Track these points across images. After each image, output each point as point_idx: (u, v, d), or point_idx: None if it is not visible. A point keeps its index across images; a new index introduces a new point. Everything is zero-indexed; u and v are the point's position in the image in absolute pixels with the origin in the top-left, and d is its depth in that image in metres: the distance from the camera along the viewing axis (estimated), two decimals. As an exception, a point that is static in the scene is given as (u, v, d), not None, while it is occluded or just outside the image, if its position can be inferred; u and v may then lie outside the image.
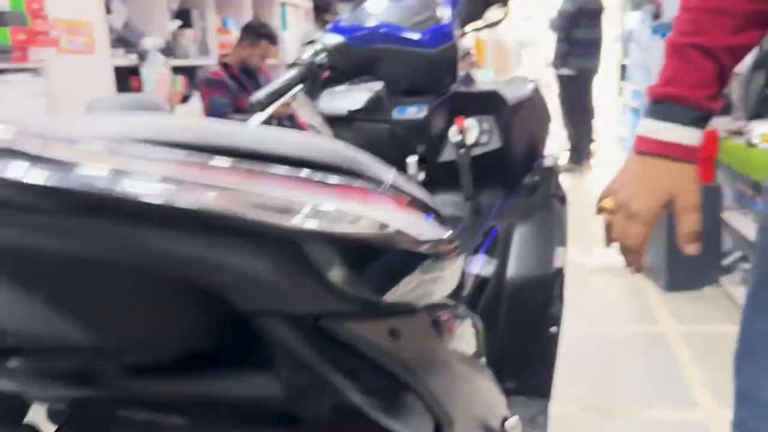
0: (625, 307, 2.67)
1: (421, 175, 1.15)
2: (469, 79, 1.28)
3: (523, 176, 1.26)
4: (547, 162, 1.33)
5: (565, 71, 5.43)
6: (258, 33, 3.32)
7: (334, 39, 1.11)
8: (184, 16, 3.70)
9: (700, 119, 0.75)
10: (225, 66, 3.30)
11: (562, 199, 1.32)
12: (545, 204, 1.26)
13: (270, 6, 4.99)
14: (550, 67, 5.74)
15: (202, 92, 3.26)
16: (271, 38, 3.38)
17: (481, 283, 1.14)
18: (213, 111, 3.20)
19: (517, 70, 7.24)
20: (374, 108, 1.19)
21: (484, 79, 1.46)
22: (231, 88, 3.23)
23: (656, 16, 4.70)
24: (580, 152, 5.59)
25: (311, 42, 1.10)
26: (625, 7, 6.53)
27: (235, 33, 3.90)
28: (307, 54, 1.07)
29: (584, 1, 5.36)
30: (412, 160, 1.14)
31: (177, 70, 3.50)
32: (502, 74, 6.99)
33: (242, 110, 3.26)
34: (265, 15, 4.95)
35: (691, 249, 0.76)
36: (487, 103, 1.19)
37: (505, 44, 6.96)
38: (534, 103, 1.25)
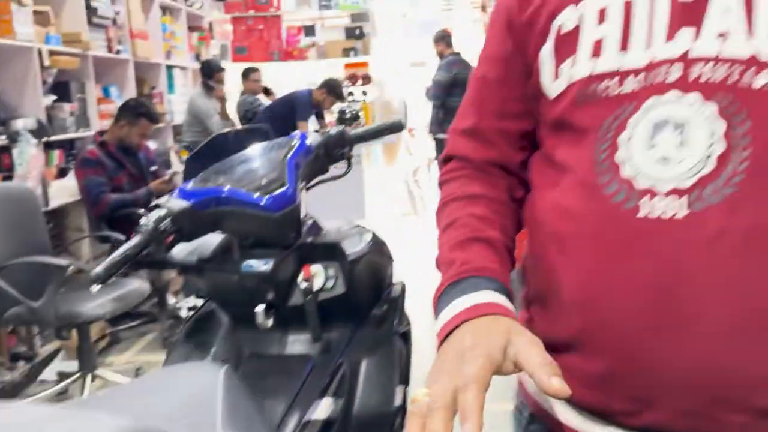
0: None
1: (270, 321, 1.21)
2: (316, 227, 1.36)
3: (370, 309, 1.34)
4: (394, 291, 1.44)
5: (442, 136, 5.81)
6: (137, 112, 3.36)
7: (179, 204, 1.17)
8: (62, 88, 3.69)
9: (507, 293, 0.72)
10: (102, 144, 3.31)
11: (405, 336, 1.41)
12: (388, 340, 1.35)
13: (156, 69, 5.02)
14: (428, 132, 6.12)
15: (76, 172, 3.26)
16: (150, 117, 3.43)
17: (326, 427, 1.16)
18: (89, 190, 3.20)
19: (403, 134, 7.56)
20: (223, 258, 1.27)
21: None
22: (107, 167, 3.26)
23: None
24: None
25: (156, 207, 1.17)
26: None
27: (117, 102, 3.92)
28: (151, 220, 1.13)
29: (458, 71, 5.76)
30: (260, 308, 1.20)
31: (54, 144, 3.48)
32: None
33: (120, 188, 3.29)
34: (151, 78, 4.99)
35: (558, 384, 0.57)
36: (331, 254, 1.28)
37: (392, 104, 7.28)
38: (372, 255, 1.35)
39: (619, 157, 0.67)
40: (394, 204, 6.49)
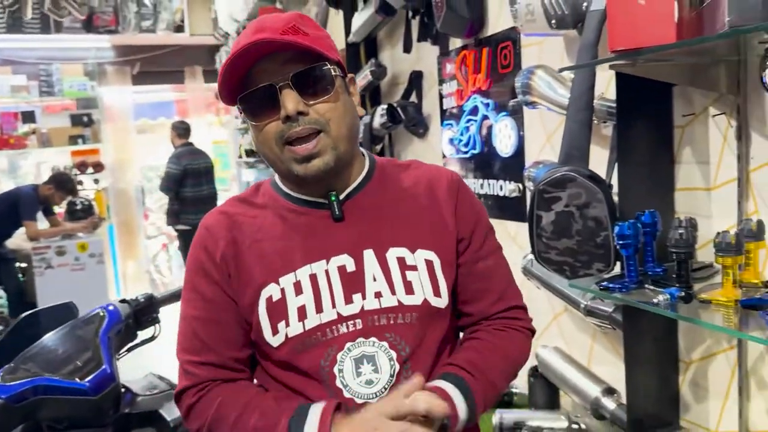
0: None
1: None
2: (131, 395, 1.41)
3: None
4: None
5: (182, 227, 5.87)
6: None
7: None
8: None
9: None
10: None
11: None
12: None
13: None
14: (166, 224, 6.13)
15: None
16: None
17: None
18: None
19: (140, 220, 7.42)
20: None
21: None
22: None
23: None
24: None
25: None
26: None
27: None
28: None
29: (188, 163, 5.90)
30: None
31: None
32: (128, 227, 7.08)
33: None
34: None
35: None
36: (149, 421, 1.35)
37: (128, 192, 7.12)
38: None
39: (338, 383, 1.02)
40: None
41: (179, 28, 7.17)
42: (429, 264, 1.08)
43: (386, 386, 1.02)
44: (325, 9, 4.33)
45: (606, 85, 1.98)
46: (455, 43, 3.00)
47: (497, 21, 2.65)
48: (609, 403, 1.99)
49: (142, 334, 1.58)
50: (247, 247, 1.09)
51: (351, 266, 1.06)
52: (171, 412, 1.42)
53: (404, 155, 3.69)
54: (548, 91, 2.11)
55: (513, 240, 2.67)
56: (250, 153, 6.57)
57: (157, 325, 1.58)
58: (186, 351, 1.12)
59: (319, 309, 1.04)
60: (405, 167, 1.18)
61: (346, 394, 1.01)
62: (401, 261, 1.06)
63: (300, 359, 1.04)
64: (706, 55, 1.53)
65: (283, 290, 1.05)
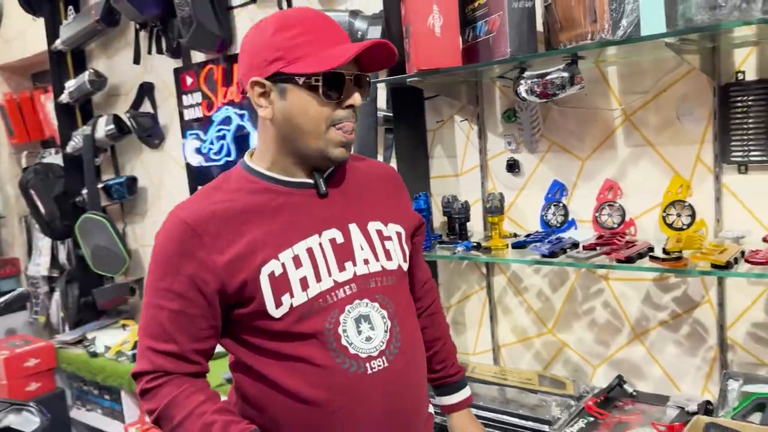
0: None
1: None
2: None
3: None
4: None
5: None
6: None
7: None
8: None
9: None
10: None
11: None
12: None
13: None
14: None
15: None
16: None
17: None
18: None
19: None
20: None
21: None
22: None
23: None
24: None
25: None
26: None
27: None
28: None
29: None
30: None
31: None
32: None
33: None
34: None
35: None
36: None
37: None
38: None
39: (344, 342, 1.18)
40: None
41: None
42: (398, 235, 1.31)
43: (382, 341, 1.21)
44: None
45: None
46: (196, 57, 3.18)
47: (247, 40, 2.94)
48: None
49: None
50: (236, 231, 1.16)
51: (340, 238, 1.22)
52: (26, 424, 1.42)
53: (133, 166, 3.66)
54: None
55: (276, 235, 2.99)
56: None
57: None
58: (149, 336, 1.18)
59: (318, 278, 1.18)
60: (354, 158, 1.39)
61: (351, 351, 1.18)
62: (379, 233, 1.27)
63: (304, 326, 1.16)
64: (470, 74, 2.13)
65: (284, 264, 1.16)
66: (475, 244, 2.03)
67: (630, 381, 2.02)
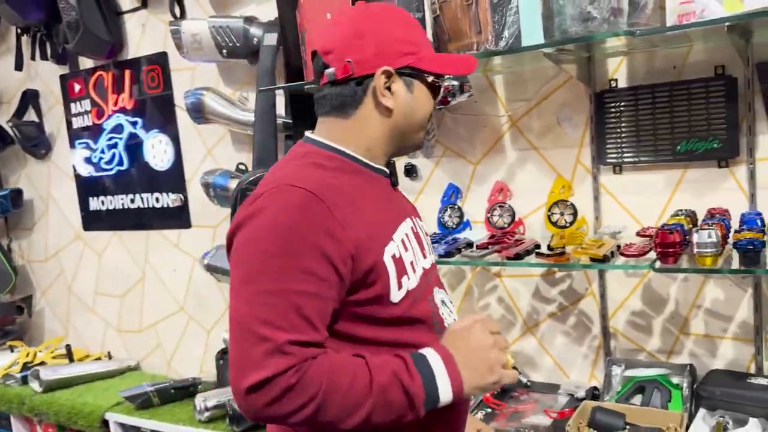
0: None
1: None
2: None
3: None
4: None
5: None
6: None
7: None
8: None
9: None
10: None
11: None
12: None
13: None
14: None
15: None
16: None
17: None
18: None
19: None
20: None
21: None
22: None
23: None
24: None
25: None
26: None
27: None
28: None
29: None
30: None
31: None
32: None
33: None
34: None
35: None
36: None
37: None
38: None
39: (446, 324, 1.17)
40: None
41: None
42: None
43: (454, 313, 1.26)
44: None
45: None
46: (84, 63, 3.06)
47: (139, 45, 2.86)
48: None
49: None
50: (356, 207, 1.08)
51: (414, 227, 1.22)
52: None
53: (17, 178, 3.46)
54: (221, 109, 2.50)
55: (176, 246, 2.93)
56: None
57: None
58: (282, 329, 0.97)
59: (417, 262, 1.16)
60: None
61: (446, 322, 1.19)
62: (421, 226, 1.29)
63: (416, 310, 1.12)
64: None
65: (398, 246, 1.11)
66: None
67: (524, 372, 2.14)
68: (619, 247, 1.71)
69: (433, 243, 1.98)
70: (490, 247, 1.88)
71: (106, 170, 3.06)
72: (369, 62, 1.11)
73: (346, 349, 1.06)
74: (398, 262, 1.11)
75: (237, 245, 1.04)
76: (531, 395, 2.04)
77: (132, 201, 3.03)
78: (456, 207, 2.18)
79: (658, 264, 1.55)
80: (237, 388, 0.97)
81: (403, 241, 1.14)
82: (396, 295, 1.09)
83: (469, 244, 1.94)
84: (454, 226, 2.17)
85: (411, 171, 2.27)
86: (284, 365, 0.96)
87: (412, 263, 1.14)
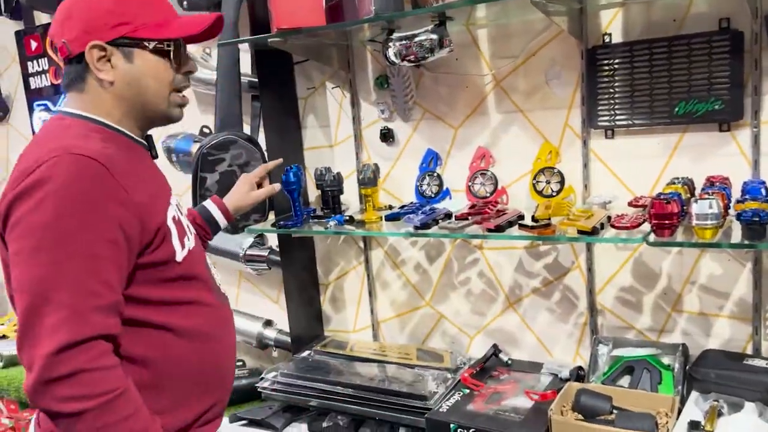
0: None
1: None
2: None
3: None
4: None
5: None
6: None
7: None
8: None
9: None
10: None
11: None
12: None
13: None
14: None
15: None
16: None
17: None
18: None
19: None
20: None
21: None
22: None
23: None
24: None
25: None
26: None
27: None
28: None
29: None
30: None
31: None
32: None
33: None
34: None
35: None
36: None
37: None
38: None
39: (217, 282, 1.34)
40: None
41: None
42: None
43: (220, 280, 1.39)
44: None
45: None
46: (41, 18, 2.85)
47: (98, -1, 2.65)
48: (271, 333, 2.36)
49: None
50: (134, 174, 1.15)
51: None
52: None
53: (-26, 142, 3.26)
54: (184, 67, 2.30)
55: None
56: None
57: None
58: (81, 293, 1.02)
59: (189, 226, 1.32)
60: None
61: (222, 290, 1.36)
62: (179, 204, 1.37)
63: (197, 269, 1.26)
64: (340, 37, 2.00)
65: (176, 209, 1.25)
66: (348, 217, 1.93)
67: (505, 350, 2.00)
68: (609, 218, 1.57)
69: (410, 213, 1.83)
70: (470, 218, 1.73)
71: (66, 134, 2.87)
72: (79, 40, 1.16)
73: (138, 314, 1.13)
74: (178, 224, 1.22)
75: (22, 215, 1.04)
76: (512, 374, 1.91)
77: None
78: (435, 174, 2.02)
79: (652, 237, 1.41)
80: (35, 355, 0.99)
81: (177, 206, 1.28)
82: (180, 255, 1.19)
83: (448, 215, 1.79)
84: (433, 195, 2.02)
85: (387, 136, 2.10)
86: (86, 332, 1.01)
87: (188, 226, 1.29)
